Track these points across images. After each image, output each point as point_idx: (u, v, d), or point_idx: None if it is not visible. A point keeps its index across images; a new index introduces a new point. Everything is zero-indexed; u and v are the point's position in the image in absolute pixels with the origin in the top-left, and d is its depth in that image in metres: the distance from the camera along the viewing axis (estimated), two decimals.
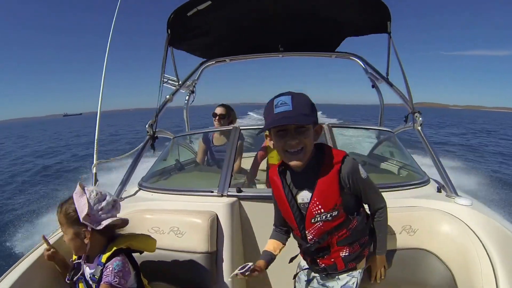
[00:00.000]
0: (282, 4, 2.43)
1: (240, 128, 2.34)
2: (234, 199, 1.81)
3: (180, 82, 2.84)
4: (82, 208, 1.21)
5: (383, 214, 1.26)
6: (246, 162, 2.83)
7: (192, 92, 3.40)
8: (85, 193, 1.24)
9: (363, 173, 1.15)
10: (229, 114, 3.05)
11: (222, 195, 1.83)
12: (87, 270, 1.30)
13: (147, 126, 2.37)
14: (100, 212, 1.24)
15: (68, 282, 1.34)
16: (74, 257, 1.37)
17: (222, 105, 3.09)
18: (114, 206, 1.30)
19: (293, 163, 1.10)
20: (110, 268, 1.23)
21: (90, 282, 1.27)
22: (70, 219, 1.23)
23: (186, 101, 3.44)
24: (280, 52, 2.92)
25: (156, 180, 2.34)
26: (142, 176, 2.34)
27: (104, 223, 1.23)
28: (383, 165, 2.74)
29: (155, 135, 2.42)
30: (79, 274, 1.31)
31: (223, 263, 1.67)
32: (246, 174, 2.64)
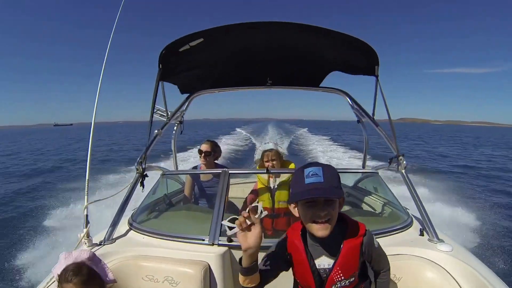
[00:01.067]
0: (270, 42, 2.51)
1: (230, 172, 2.35)
2: (225, 248, 1.81)
3: (169, 116, 2.86)
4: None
5: (387, 276, 1.35)
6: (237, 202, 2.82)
7: (181, 122, 3.41)
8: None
9: (376, 243, 1.26)
10: (214, 151, 3.08)
11: (213, 244, 1.84)
12: None
13: (136, 163, 2.34)
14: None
15: None
16: None
17: (208, 141, 3.12)
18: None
19: (320, 233, 1.13)
20: None
21: None
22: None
23: (174, 132, 3.44)
24: (268, 86, 3.01)
25: (147, 219, 2.30)
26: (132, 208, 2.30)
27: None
28: (367, 200, 2.80)
29: (144, 173, 2.40)
30: None
31: None
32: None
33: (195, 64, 2.80)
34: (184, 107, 3.33)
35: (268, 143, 2.74)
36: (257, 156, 2.82)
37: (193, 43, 2.41)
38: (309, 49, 2.62)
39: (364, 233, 1.20)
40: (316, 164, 1.14)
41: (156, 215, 2.45)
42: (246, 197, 2.71)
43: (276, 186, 2.52)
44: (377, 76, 2.56)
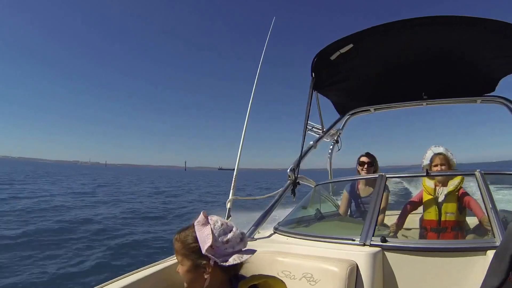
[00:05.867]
0: (426, 47, 2.28)
1: (387, 176, 2.10)
2: (378, 249, 1.61)
3: (324, 129, 2.86)
4: (204, 238, 1.07)
5: None
6: (390, 218, 2.55)
7: (337, 142, 3.35)
8: (208, 222, 1.11)
9: None
10: (375, 162, 2.95)
11: (364, 244, 1.66)
12: None
13: (288, 170, 2.43)
14: (225, 245, 1.08)
15: None
16: None
17: (368, 154, 3.00)
18: (242, 240, 1.12)
19: None
20: None
21: None
22: (189, 249, 1.09)
23: (330, 151, 3.39)
24: (424, 100, 2.78)
25: (294, 227, 2.28)
26: (275, 222, 2.33)
27: (232, 260, 1.06)
28: None
29: (297, 181, 2.43)
30: None
31: None
32: (391, 225, 2.32)
33: (347, 75, 2.78)
34: (340, 126, 3.28)
35: (438, 146, 2.50)
36: (425, 161, 2.53)
37: (343, 50, 2.43)
38: (470, 54, 2.24)
39: None
40: None
41: (305, 224, 2.40)
42: (406, 205, 2.40)
43: (443, 197, 2.24)
44: None
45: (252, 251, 1.12)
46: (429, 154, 2.52)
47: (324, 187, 3.04)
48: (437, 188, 2.28)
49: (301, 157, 2.48)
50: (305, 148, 2.59)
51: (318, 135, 2.93)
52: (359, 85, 2.93)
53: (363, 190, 2.80)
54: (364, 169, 2.90)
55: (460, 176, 2.23)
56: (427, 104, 2.84)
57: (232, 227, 1.13)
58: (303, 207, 2.62)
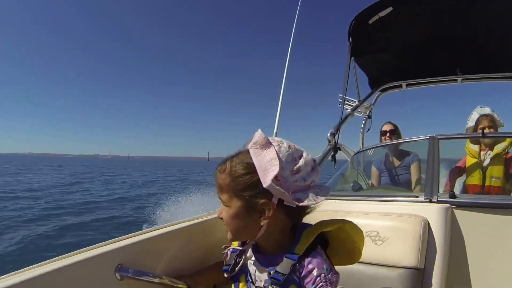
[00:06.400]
0: (465, 17, 2.23)
1: (439, 137, 1.91)
2: (447, 205, 1.44)
3: (360, 99, 2.79)
4: (266, 165, 0.72)
5: None
6: None
7: (369, 117, 3.28)
8: (271, 143, 0.75)
9: None
10: (397, 130, 2.88)
11: (431, 201, 1.49)
12: (253, 266, 0.83)
13: (328, 135, 2.35)
14: (295, 176, 0.74)
15: (227, 274, 0.87)
16: (235, 243, 0.89)
17: (389, 122, 2.94)
18: (314, 169, 0.77)
19: None
20: (318, 273, 0.71)
21: (261, 284, 0.80)
22: (242, 182, 0.74)
23: (363, 125, 3.31)
24: (459, 76, 2.69)
25: (341, 191, 2.15)
26: None
27: (307, 200, 0.73)
28: None
29: (337, 146, 2.34)
30: (239, 266, 0.85)
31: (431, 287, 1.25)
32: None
33: (382, 45, 2.73)
34: (372, 101, 3.21)
35: (484, 107, 2.45)
36: (470, 123, 2.47)
37: (382, 13, 2.38)
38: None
39: None
40: None
41: (345, 187, 2.27)
42: (450, 171, 2.31)
43: (489, 160, 2.14)
44: None
45: (326, 188, 0.79)
46: (474, 115, 2.44)
47: (359, 162, 2.95)
48: (482, 152, 2.17)
49: (341, 122, 2.42)
50: (344, 115, 2.53)
51: (349, 108, 2.88)
52: (394, 56, 2.87)
53: (391, 162, 2.71)
54: (386, 138, 2.86)
55: (509, 139, 2.10)
56: (462, 80, 2.73)
57: (302, 150, 0.78)
58: (343, 175, 2.52)
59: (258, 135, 0.76)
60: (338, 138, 2.36)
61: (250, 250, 0.86)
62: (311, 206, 0.76)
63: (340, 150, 2.37)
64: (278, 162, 0.71)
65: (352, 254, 0.87)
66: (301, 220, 0.82)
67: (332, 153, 2.34)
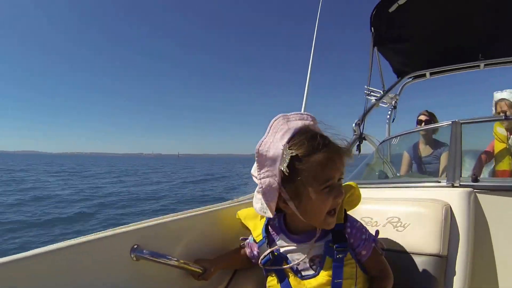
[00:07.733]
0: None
1: (461, 122, 1.89)
2: (469, 189, 1.41)
3: (385, 89, 2.79)
4: None
5: None
6: None
7: (395, 107, 3.26)
8: None
9: None
10: (434, 120, 2.88)
11: (453, 185, 1.47)
12: (287, 250, 0.88)
13: (354, 125, 2.39)
14: None
15: (264, 266, 0.92)
16: (256, 234, 0.98)
17: (426, 111, 2.94)
18: None
19: None
20: (360, 233, 0.90)
21: (304, 264, 0.86)
22: None
23: (388, 117, 3.29)
24: (481, 61, 2.60)
25: (364, 180, 2.21)
26: None
27: None
28: None
29: (363, 136, 2.39)
30: (275, 255, 0.89)
31: (455, 276, 1.18)
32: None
33: (404, 33, 2.70)
34: (397, 91, 3.19)
35: (502, 91, 2.31)
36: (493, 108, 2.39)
37: (401, 1, 2.35)
38: None
39: None
40: None
41: (371, 176, 2.31)
42: (480, 155, 2.22)
43: None
44: None
45: None
46: (494, 102, 2.37)
47: (385, 152, 2.95)
48: (510, 136, 2.10)
49: (366, 112, 2.45)
50: (368, 105, 2.56)
51: (374, 99, 2.89)
52: (415, 45, 2.83)
53: (423, 149, 2.72)
54: (422, 127, 2.85)
55: None
56: (485, 66, 2.64)
57: None
58: (368, 165, 2.56)
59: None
60: (363, 128, 2.40)
61: (277, 237, 0.92)
62: None
63: (365, 139, 2.41)
64: None
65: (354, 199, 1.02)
66: None
67: (358, 142, 2.39)
